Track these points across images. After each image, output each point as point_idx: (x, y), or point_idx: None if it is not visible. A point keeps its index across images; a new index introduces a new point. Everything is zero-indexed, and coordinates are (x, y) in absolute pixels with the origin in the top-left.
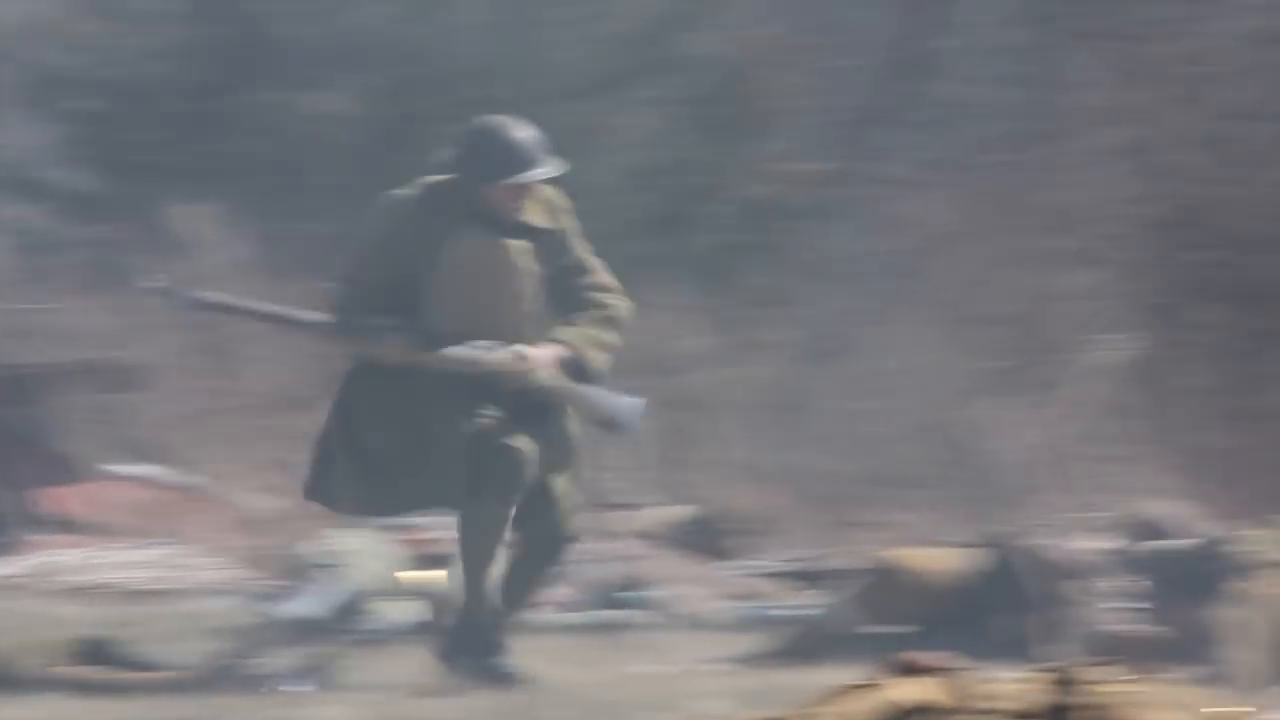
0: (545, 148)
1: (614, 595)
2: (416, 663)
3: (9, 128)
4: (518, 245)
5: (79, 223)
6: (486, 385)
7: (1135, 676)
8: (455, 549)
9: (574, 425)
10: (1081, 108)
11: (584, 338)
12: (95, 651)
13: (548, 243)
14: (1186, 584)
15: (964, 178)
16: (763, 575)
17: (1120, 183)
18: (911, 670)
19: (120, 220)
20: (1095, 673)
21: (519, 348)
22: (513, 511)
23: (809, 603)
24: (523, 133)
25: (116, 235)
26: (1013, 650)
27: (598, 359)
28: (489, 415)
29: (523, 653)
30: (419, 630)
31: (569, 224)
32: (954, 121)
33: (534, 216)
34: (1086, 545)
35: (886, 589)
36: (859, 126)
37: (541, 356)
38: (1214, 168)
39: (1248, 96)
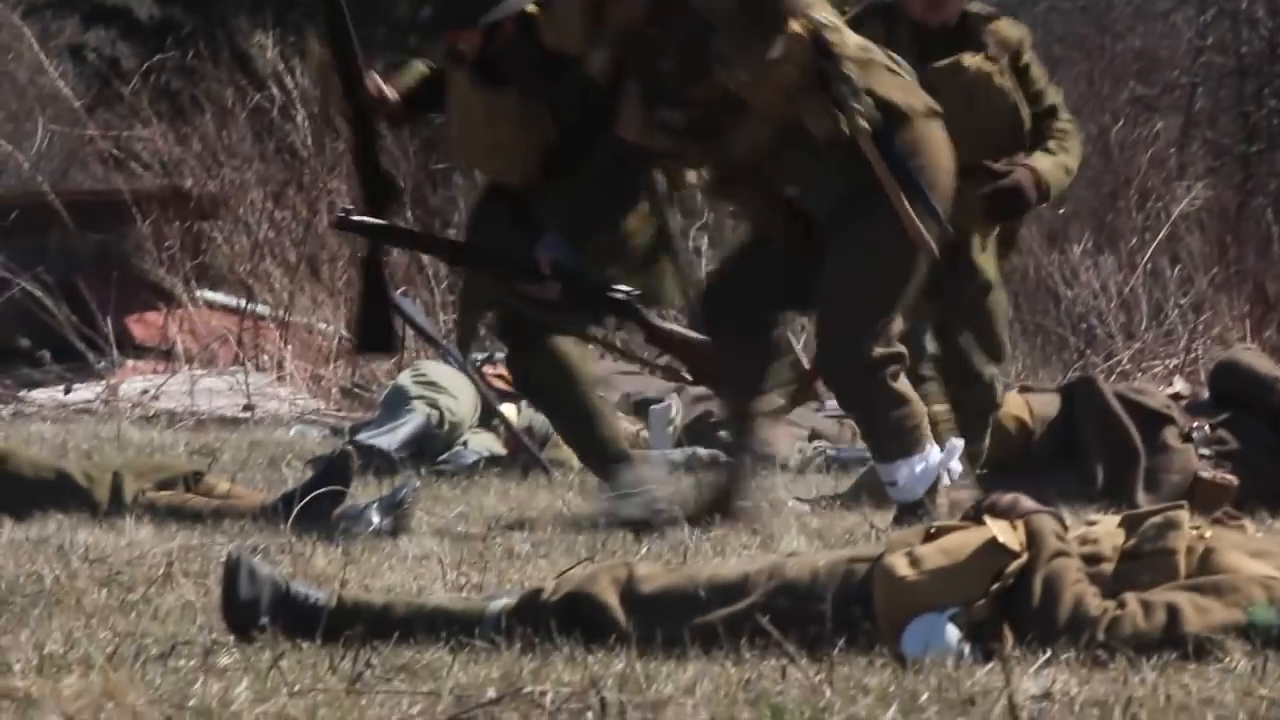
0: None
1: None
2: (497, 495)
3: None
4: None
5: (159, 50)
6: None
7: (1212, 521)
8: None
9: None
10: None
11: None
12: (189, 478)
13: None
14: (1266, 431)
15: (1041, 20)
16: None
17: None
18: (997, 513)
19: (198, 48)
20: (1171, 517)
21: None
22: None
23: None
24: None
25: (198, 65)
26: (1082, 496)
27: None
28: None
29: None
30: (501, 462)
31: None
32: None
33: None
34: (1164, 391)
35: None
36: None
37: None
38: None
39: None
